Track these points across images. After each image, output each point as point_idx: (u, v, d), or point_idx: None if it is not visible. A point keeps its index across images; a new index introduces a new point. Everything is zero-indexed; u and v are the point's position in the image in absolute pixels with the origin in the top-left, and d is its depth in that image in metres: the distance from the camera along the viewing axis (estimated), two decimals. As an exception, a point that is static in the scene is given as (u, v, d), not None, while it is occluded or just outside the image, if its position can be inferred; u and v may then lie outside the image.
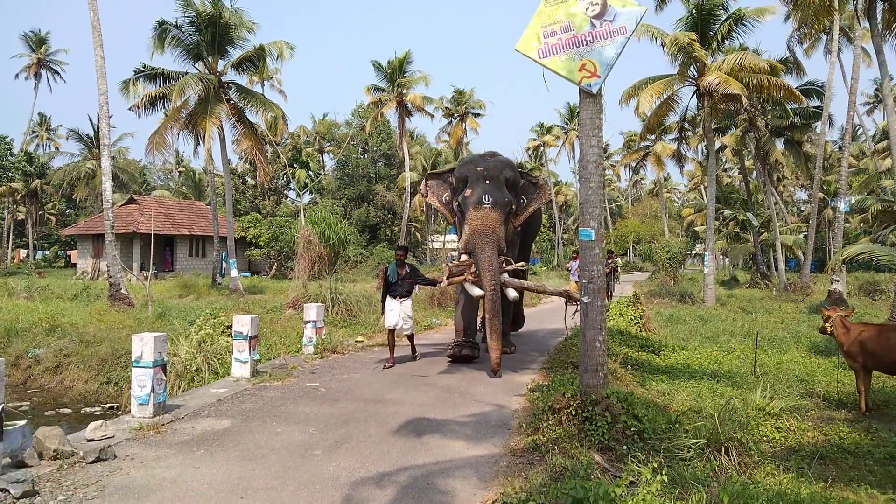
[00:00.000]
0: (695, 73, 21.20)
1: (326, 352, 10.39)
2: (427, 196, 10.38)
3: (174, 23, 22.95)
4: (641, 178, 72.64)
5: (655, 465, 4.39)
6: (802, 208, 54.03)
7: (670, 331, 14.76)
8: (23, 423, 5.29)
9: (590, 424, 5.57)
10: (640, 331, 13.55)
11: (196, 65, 24.11)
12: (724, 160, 46.35)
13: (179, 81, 22.27)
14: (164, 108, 23.86)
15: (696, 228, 51.94)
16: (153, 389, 6.32)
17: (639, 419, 5.71)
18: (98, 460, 4.99)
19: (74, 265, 41.52)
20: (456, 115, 46.65)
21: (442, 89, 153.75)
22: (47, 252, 54.23)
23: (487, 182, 9.11)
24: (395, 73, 34.25)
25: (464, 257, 9.08)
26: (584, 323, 5.96)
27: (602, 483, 4.16)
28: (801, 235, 35.95)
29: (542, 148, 61.08)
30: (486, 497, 4.47)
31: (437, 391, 7.86)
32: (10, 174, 41.94)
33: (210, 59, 23.83)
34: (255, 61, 24.52)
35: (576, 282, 19.17)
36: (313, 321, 10.55)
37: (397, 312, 9.48)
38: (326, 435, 5.95)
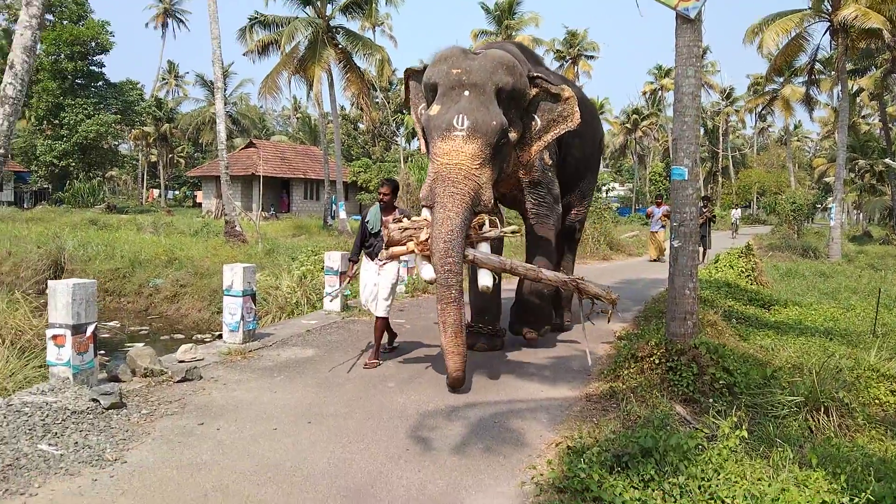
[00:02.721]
0: (829, 7, 19.19)
1: (417, 291, 10.49)
2: (408, 104, 6.93)
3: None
4: (769, 125, 67.78)
5: (736, 420, 4.08)
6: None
7: (786, 285, 13.79)
8: (140, 345, 5.70)
9: (673, 374, 5.27)
10: (751, 284, 12.73)
11: (306, 9, 24.47)
12: (861, 105, 42.22)
13: (288, 26, 22.74)
14: (277, 53, 24.48)
15: (827, 180, 48.03)
16: (243, 317, 6.59)
17: (729, 372, 5.34)
18: (184, 380, 5.27)
19: (200, 205, 44.27)
20: (568, 57, 45.06)
21: (553, 31, 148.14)
22: (177, 192, 58.08)
23: (467, 93, 5.48)
24: (504, 15, 33.32)
25: (425, 214, 5.54)
26: (673, 269, 5.59)
27: (675, 434, 3.92)
28: (951, 189, 32.38)
29: (659, 92, 58.16)
30: (552, 440, 4.34)
31: (521, 334, 7.75)
32: (142, 119, 44.87)
33: (318, 3, 24.10)
34: (361, 5, 24.57)
35: (655, 232, 18.05)
36: (405, 261, 10.63)
37: (372, 281, 6.23)
38: (403, 369, 6.01)
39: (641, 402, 4.90)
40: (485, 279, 5.51)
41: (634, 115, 58.02)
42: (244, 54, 24.42)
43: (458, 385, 5.23)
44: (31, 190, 40.90)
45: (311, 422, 4.51)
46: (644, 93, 60.19)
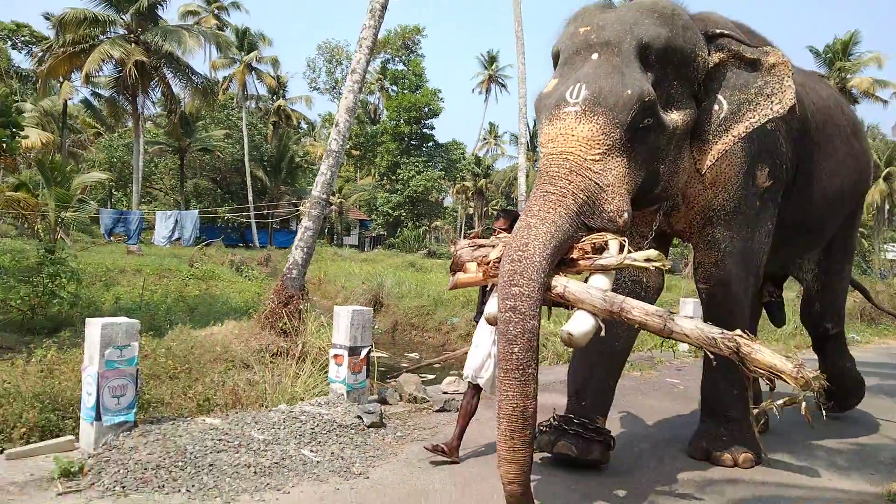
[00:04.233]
0: None
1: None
2: None
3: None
4: None
5: None
6: None
7: None
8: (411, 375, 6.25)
9: None
10: None
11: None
12: None
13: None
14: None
15: None
16: (507, 358, 6.72)
17: None
18: (442, 410, 5.55)
19: (507, 254, 46.87)
20: (925, 98, 38.34)
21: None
22: (488, 242, 62.40)
23: (595, 56, 3.70)
24: (837, 57, 29.78)
25: None
26: None
27: None
28: None
29: None
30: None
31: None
32: (463, 175, 49.44)
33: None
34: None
35: None
36: (690, 317, 9.90)
37: (486, 349, 4.32)
38: (662, 432, 5.54)
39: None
40: (575, 324, 3.19)
41: None
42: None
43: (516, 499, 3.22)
44: (370, 235, 47.53)
45: (541, 464, 4.38)
46: None
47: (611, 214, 3.40)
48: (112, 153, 34.57)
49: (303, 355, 7.26)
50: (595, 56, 3.66)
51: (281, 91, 42.88)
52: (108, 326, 3.98)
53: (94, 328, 4.00)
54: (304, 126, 50.50)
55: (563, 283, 3.25)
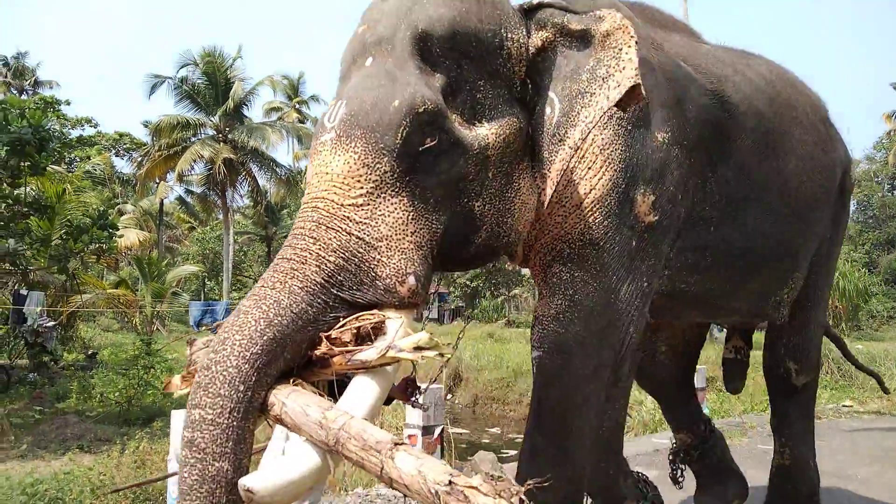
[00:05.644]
0: None
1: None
2: None
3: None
4: None
5: None
6: None
7: None
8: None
9: None
10: None
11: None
12: None
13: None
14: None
15: None
16: (585, 431, 6.59)
17: None
18: (518, 488, 5.47)
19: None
20: None
21: None
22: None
23: (369, 61, 2.38)
24: (924, 91, 28.70)
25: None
26: None
27: None
28: None
29: None
30: None
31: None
32: (540, 241, 49.62)
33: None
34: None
35: None
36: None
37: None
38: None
39: None
40: (273, 471, 1.85)
41: None
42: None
43: None
44: (449, 308, 47.87)
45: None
46: None
47: (387, 281, 2.18)
48: (204, 245, 36.71)
49: (381, 435, 7.35)
50: (369, 61, 2.48)
51: (358, 174, 44.67)
52: (191, 417, 4.21)
53: (178, 419, 4.24)
54: (381, 206, 52.17)
55: (283, 399, 1.97)
